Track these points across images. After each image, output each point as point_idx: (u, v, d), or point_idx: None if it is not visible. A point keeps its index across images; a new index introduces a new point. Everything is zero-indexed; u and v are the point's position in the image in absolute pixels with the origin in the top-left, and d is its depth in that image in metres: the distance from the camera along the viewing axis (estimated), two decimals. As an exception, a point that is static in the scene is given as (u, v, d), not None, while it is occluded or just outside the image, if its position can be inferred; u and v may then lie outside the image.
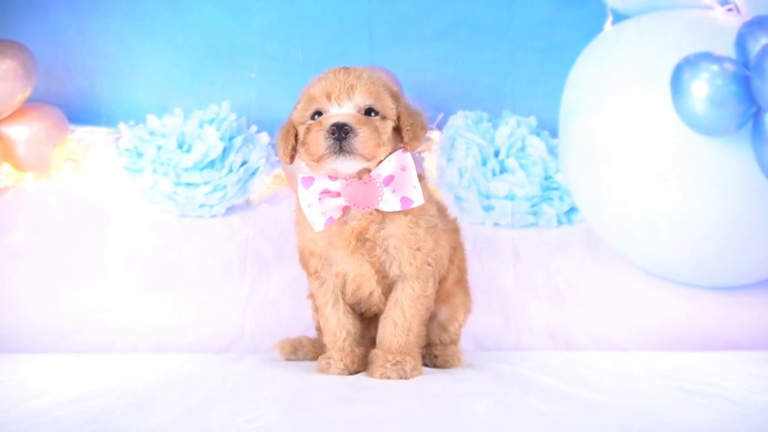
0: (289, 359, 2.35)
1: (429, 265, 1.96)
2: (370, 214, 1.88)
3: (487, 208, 3.02)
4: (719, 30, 2.73)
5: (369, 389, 1.67)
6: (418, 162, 2.99)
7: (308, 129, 1.84)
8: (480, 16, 3.17)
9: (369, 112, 1.84)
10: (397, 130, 1.91)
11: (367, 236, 1.89)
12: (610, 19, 3.07)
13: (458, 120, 3.09)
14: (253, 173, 2.94)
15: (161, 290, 2.78)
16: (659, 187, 2.74)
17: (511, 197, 3.01)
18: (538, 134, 3.11)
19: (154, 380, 1.84)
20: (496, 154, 3.06)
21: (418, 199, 1.87)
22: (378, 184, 1.84)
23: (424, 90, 3.15)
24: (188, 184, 2.85)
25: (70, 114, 2.93)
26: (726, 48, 2.61)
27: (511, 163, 3.04)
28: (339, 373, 1.94)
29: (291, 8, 3.09)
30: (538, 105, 3.16)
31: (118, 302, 2.74)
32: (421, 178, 1.98)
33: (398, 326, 1.93)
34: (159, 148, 2.85)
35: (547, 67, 3.16)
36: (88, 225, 2.84)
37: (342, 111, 1.81)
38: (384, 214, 1.89)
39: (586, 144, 2.92)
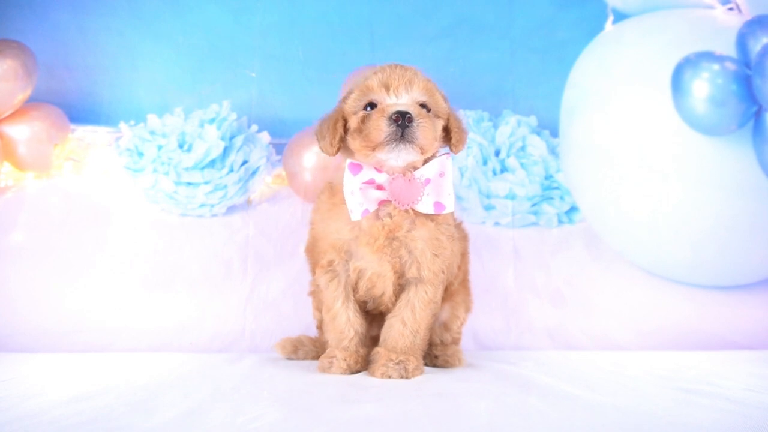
0: (289, 358, 2.35)
1: (443, 272, 1.97)
2: (406, 212, 1.89)
3: (488, 208, 3.02)
4: (720, 29, 2.73)
5: (370, 389, 1.67)
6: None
7: (366, 116, 1.85)
8: (481, 16, 3.17)
9: (423, 107, 1.86)
10: (445, 130, 1.95)
11: (397, 235, 1.90)
12: (610, 18, 3.07)
13: (459, 119, 3.09)
14: (254, 172, 2.94)
15: (162, 290, 2.78)
16: (660, 186, 2.74)
17: (511, 197, 3.01)
18: (538, 133, 3.11)
19: (154, 380, 1.83)
20: (497, 153, 3.06)
21: (450, 206, 1.90)
22: (420, 184, 1.87)
23: None
24: (189, 184, 2.85)
25: (70, 113, 2.93)
26: (727, 47, 2.61)
27: (511, 162, 3.04)
28: (341, 373, 1.93)
29: (292, 8, 3.09)
30: (538, 104, 3.16)
31: (119, 302, 2.74)
32: None
33: (407, 326, 1.93)
34: (160, 147, 2.85)
35: (547, 66, 3.16)
36: (89, 224, 2.84)
37: (400, 102, 1.83)
38: (415, 217, 1.91)
39: (587, 143, 2.91)
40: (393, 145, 1.79)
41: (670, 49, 2.69)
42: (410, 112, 1.78)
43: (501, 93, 3.16)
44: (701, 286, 2.92)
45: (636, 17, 2.99)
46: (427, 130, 1.80)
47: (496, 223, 3.05)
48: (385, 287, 1.98)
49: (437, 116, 1.91)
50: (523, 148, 3.08)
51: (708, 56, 2.57)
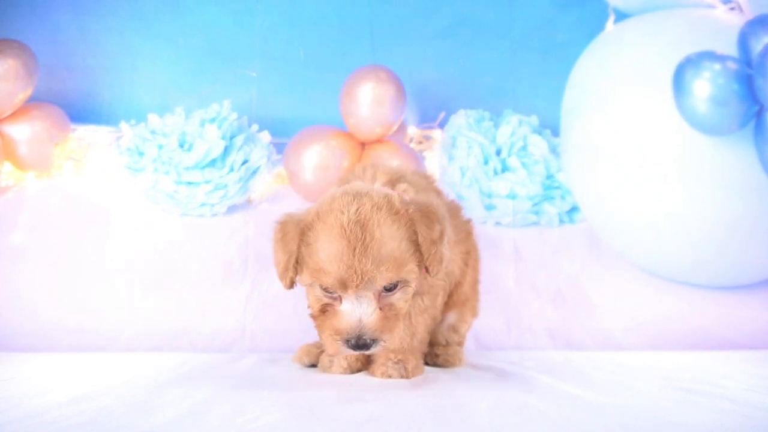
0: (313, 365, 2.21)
1: (440, 280, 1.95)
2: None
3: (489, 208, 3.02)
4: (721, 29, 2.72)
5: (370, 388, 1.67)
6: (419, 161, 2.99)
7: (322, 313, 1.65)
8: (481, 16, 3.17)
9: (392, 287, 1.64)
10: None
11: None
12: (611, 18, 3.07)
13: (460, 119, 3.09)
14: (255, 172, 2.94)
15: (162, 289, 2.78)
16: (661, 186, 2.73)
17: (512, 196, 3.01)
18: (539, 133, 3.11)
19: (154, 380, 1.83)
20: (498, 153, 3.06)
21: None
22: None
23: (425, 89, 3.15)
24: (189, 183, 2.85)
25: (71, 113, 2.93)
26: (728, 47, 2.60)
27: (512, 162, 3.04)
28: (342, 372, 1.93)
29: (292, 8, 3.09)
30: (539, 104, 3.16)
31: (119, 301, 2.74)
32: (434, 190, 2.01)
33: (404, 329, 1.93)
34: (160, 147, 2.85)
35: (548, 66, 3.16)
36: (89, 224, 2.84)
37: (358, 300, 1.60)
38: None
39: (587, 143, 2.91)
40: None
41: (671, 49, 2.68)
42: (368, 340, 1.59)
43: (502, 93, 3.17)
44: (702, 286, 2.92)
45: (637, 17, 2.98)
46: (393, 338, 1.63)
47: (497, 223, 3.05)
48: None
49: (408, 283, 1.65)
50: (524, 148, 3.08)
51: (709, 56, 2.56)
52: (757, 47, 2.51)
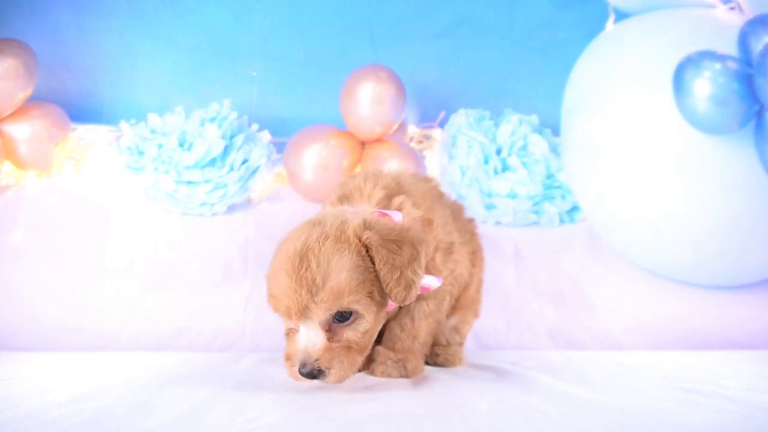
0: None
1: (448, 285, 1.95)
2: None
3: (489, 207, 3.02)
4: (722, 28, 2.72)
5: (370, 388, 1.67)
6: (419, 160, 2.99)
7: (287, 336, 1.66)
8: (481, 16, 3.18)
9: (341, 315, 1.60)
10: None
11: None
12: (611, 17, 3.07)
13: (460, 118, 3.09)
14: (254, 171, 2.94)
15: (162, 289, 2.78)
16: (661, 186, 2.73)
17: (512, 196, 3.01)
18: (540, 132, 3.11)
19: (155, 380, 1.83)
20: (498, 152, 3.06)
21: (432, 282, 1.78)
22: None
23: (425, 88, 3.15)
24: (189, 183, 2.85)
25: (71, 112, 2.94)
26: (728, 46, 2.60)
27: (513, 161, 3.04)
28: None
29: (292, 8, 3.09)
30: (539, 104, 3.16)
31: (119, 301, 2.75)
32: (436, 194, 2.00)
33: (405, 331, 1.92)
34: (160, 146, 2.85)
35: (548, 65, 3.16)
36: (89, 223, 2.84)
37: (307, 329, 1.59)
38: None
39: (587, 143, 2.91)
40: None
41: (671, 49, 2.68)
42: (317, 368, 1.57)
43: (502, 92, 3.17)
44: (702, 286, 2.92)
45: (637, 17, 2.98)
46: (343, 373, 1.59)
47: (498, 223, 3.05)
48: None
49: (359, 314, 1.61)
50: (524, 147, 3.08)
51: (709, 55, 2.56)
52: (757, 47, 2.51)
